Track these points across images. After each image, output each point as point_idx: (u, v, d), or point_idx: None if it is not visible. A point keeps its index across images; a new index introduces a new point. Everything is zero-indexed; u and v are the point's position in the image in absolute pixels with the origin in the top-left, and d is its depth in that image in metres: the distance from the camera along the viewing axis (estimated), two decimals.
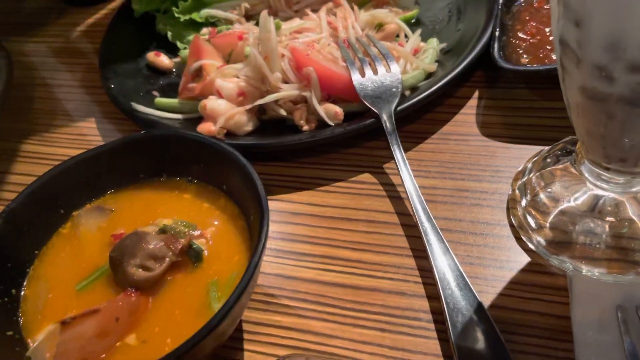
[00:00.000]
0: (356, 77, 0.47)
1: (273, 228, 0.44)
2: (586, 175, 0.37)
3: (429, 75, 0.50)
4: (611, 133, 0.31)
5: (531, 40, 0.49)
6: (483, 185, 0.44)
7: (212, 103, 0.48)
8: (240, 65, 0.50)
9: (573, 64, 0.29)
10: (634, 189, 0.36)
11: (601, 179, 0.36)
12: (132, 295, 0.34)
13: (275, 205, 0.46)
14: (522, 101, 0.49)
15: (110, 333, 0.32)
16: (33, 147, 0.57)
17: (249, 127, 0.48)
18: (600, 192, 0.37)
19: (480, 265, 0.39)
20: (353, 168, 0.48)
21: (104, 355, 0.32)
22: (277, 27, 0.50)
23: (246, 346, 0.38)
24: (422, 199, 0.41)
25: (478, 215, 0.42)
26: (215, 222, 0.38)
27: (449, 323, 0.35)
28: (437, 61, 0.52)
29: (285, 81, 0.48)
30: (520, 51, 0.49)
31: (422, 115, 0.50)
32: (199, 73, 0.52)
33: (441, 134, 0.49)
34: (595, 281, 0.36)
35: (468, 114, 0.50)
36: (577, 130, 0.34)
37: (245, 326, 0.39)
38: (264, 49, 0.48)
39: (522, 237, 0.39)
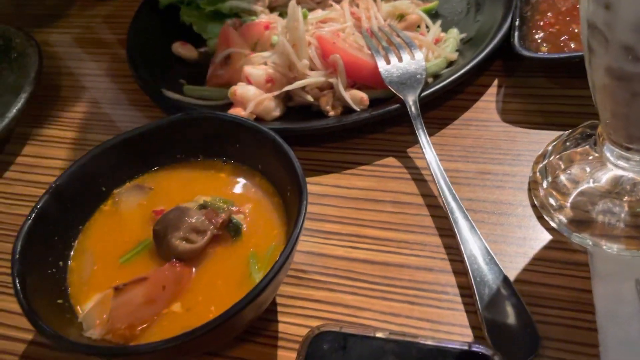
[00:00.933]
0: (381, 64, 0.49)
1: None
2: (607, 155, 0.39)
3: (450, 64, 0.52)
4: (635, 112, 0.33)
5: (550, 30, 0.50)
6: (504, 168, 0.46)
7: (241, 89, 0.50)
8: (268, 53, 0.52)
9: (601, 46, 0.30)
10: None
11: (622, 159, 0.38)
12: (177, 265, 0.35)
13: None
14: (541, 89, 0.51)
15: (157, 300, 0.34)
16: (64, 132, 0.59)
17: (277, 113, 0.50)
18: (620, 172, 0.39)
19: (504, 242, 0.41)
20: (378, 152, 0.49)
21: (151, 322, 0.34)
22: (304, 17, 0.51)
23: (280, 318, 0.40)
24: (448, 180, 0.43)
25: (500, 196, 0.44)
26: (252, 199, 0.40)
27: (476, 295, 0.37)
28: (457, 50, 0.53)
29: (312, 68, 0.50)
30: (539, 40, 0.50)
31: (443, 103, 0.52)
32: (226, 61, 0.54)
33: (462, 120, 0.50)
34: (615, 257, 0.38)
35: (488, 101, 0.51)
36: (600, 112, 0.36)
37: (279, 300, 0.41)
38: (292, 37, 0.50)
39: (544, 216, 0.41)
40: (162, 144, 0.42)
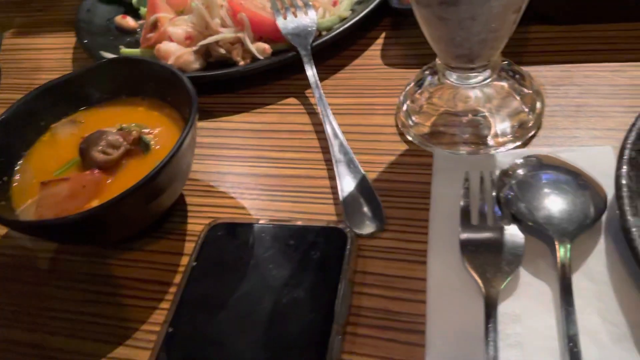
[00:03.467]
0: (279, 20, 0.58)
1: (212, 140, 0.56)
2: (445, 77, 0.48)
3: (345, 21, 0.62)
4: (446, 33, 0.43)
5: None
6: (379, 99, 0.55)
7: (164, 46, 0.59)
8: (187, 17, 0.61)
9: None
10: (478, 82, 0.47)
11: (456, 78, 0.47)
12: (96, 172, 0.44)
13: (215, 124, 0.57)
14: (418, 37, 0.59)
15: (78, 196, 0.43)
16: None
17: (196, 66, 0.59)
18: (456, 90, 0.48)
19: (369, 154, 0.50)
20: (281, 94, 0.59)
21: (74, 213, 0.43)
22: None
23: (190, 220, 0.49)
24: (330, 111, 0.52)
25: (372, 121, 0.53)
26: (161, 124, 0.49)
27: (339, 191, 0.46)
28: (352, 9, 0.63)
29: (224, 26, 0.59)
30: None
31: (338, 53, 0.61)
32: (156, 26, 0.63)
33: (353, 66, 0.60)
34: (452, 156, 0.47)
35: (375, 50, 0.61)
36: (429, 40, 0.45)
37: (190, 208, 0.50)
38: (206, 1, 0.59)
39: (403, 132, 0.51)
40: (92, 85, 0.51)
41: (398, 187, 0.47)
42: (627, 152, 0.39)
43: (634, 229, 0.34)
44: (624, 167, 0.38)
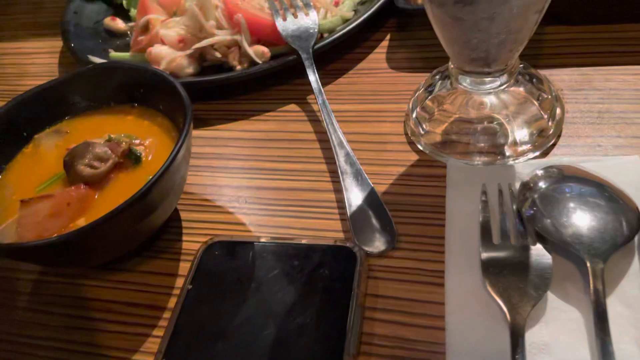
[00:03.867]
0: (279, 21, 0.55)
1: (207, 150, 0.52)
2: (459, 82, 0.45)
3: (347, 22, 0.58)
4: (461, 35, 0.39)
5: None
6: (386, 106, 0.52)
7: (156, 49, 0.55)
8: (180, 18, 0.57)
9: None
10: (494, 87, 0.44)
11: (470, 83, 0.44)
12: (82, 187, 0.41)
13: (211, 133, 0.54)
14: (424, 40, 0.57)
15: (62, 214, 0.39)
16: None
17: (190, 70, 0.56)
18: (471, 95, 0.45)
19: (378, 164, 0.47)
20: (281, 100, 0.55)
21: (58, 234, 0.39)
22: None
23: (184, 238, 0.45)
24: (334, 118, 0.49)
25: (379, 129, 0.50)
26: (153, 134, 0.45)
27: (347, 205, 0.43)
28: (354, 10, 0.59)
29: (220, 28, 0.56)
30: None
31: (341, 56, 0.58)
32: (147, 28, 0.60)
33: (356, 70, 0.56)
34: (467, 167, 0.44)
35: (380, 52, 0.58)
36: (442, 43, 0.42)
37: (185, 224, 0.46)
38: (200, 1, 0.55)
39: (414, 142, 0.47)
40: (77, 93, 0.48)
41: (409, 201, 0.43)
42: None
43: None
44: None
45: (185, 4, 0.58)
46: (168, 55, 0.55)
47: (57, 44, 0.71)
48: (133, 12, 0.66)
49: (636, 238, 0.36)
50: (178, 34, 0.56)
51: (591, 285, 0.33)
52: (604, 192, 0.38)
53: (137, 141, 0.44)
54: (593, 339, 0.32)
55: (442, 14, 0.38)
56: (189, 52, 0.55)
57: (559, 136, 0.45)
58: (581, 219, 0.36)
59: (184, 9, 0.58)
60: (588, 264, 0.34)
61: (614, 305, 0.33)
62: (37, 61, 0.71)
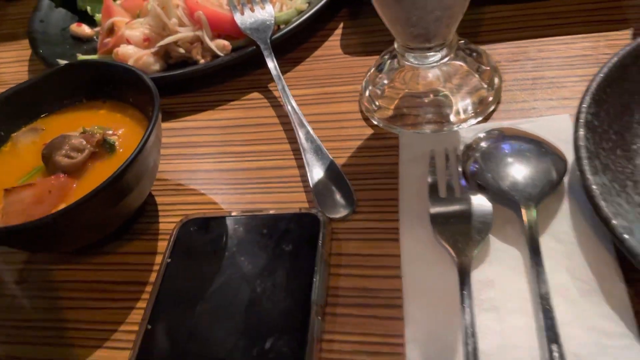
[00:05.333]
0: (237, 15, 0.58)
1: (178, 140, 0.55)
2: (405, 59, 0.49)
3: (302, 13, 0.62)
4: (402, 14, 0.43)
5: None
6: (342, 88, 0.55)
7: (122, 49, 0.58)
8: (144, 19, 0.61)
9: None
10: (436, 61, 0.48)
11: (415, 59, 0.48)
12: (61, 176, 0.44)
13: (181, 124, 0.57)
14: (375, 26, 0.61)
15: (45, 201, 0.42)
16: None
17: (156, 67, 0.59)
18: (417, 71, 0.49)
19: (336, 140, 0.50)
20: (245, 89, 0.59)
21: None
22: None
23: (161, 220, 0.49)
24: (294, 102, 0.52)
25: (336, 109, 0.54)
26: (125, 125, 0.48)
27: (309, 178, 0.47)
28: (308, 2, 0.63)
29: (182, 26, 0.59)
30: None
31: (298, 45, 0.62)
32: (112, 31, 0.62)
33: (313, 57, 0.60)
34: (417, 136, 0.48)
35: (335, 40, 0.61)
36: (386, 24, 0.46)
37: (160, 207, 0.50)
38: (161, 1, 0.58)
39: (368, 117, 0.51)
40: (50, 92, 0.51)
41: (366, 170, 0.47)
42: (582, 116, 0.40)
43: (594, 187, 0.36)
44: (581, 130, 0.39)
45: (148, 6, 0.61)
46: (134, 54, 0.58)
47: (25, 53, 0.74)
48: (98, 17, 0.69)
49: (566, 183, 0.40)
50: (143, 33, 0.59)
51: (526, 226, 0.38)
52: (536, 147, 0.42)
53: (110, 132, 0.47)
54: (530, 272, 0.36)
55: None
56: (154, 49, 0.58)
57: (498, 103, 0.49)
58: (516, 171, 0.41)
59: (146, 10, 0.61)
60: (522, 208, 0.39)
61: (547, 242, 0.38)
62: (6, 70, 0.73)
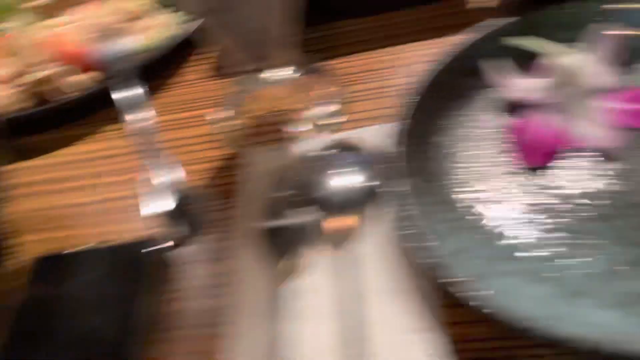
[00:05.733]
0: (97, 49, 0.59)
1: (47, 176, 0.56)
2: (253, 81, 0.50)
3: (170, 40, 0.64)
4: (231, 39, 0.45)
5: None
6: (204, 111, 0.57)
7: None
8: (8, 59, 0.61)
9: None
10: (280, 80, 0.50)
11: (260, 80, 0.50)
12: None
13: (47, 161, 0.58)
14: None
15: None
16: None
17: (22, 105, 0.59)
18: (264, 91, 0.51)
19: (192, 164, 0.51)
20: (111, 119, 0.59)
21: None
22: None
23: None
24: (154, 128, 0.53)
25: (197, 132, 0.55)
26: None
27: (156, 203, 0.47)
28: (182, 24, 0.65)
29: (46, 63, 0.60)
30: None
31: (161, 73, 0.63)
32: None
33: (177, 83, 0.62)
34: (263, 154, 0.49)
35: (195, 66, 0.63)
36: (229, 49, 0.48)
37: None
38: (23, 41, 0.59)
39: (223, 139, 0.53)
40: None
41: (219, 191, 0.48)
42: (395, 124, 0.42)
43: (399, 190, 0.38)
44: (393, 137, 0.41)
45: (12, 48, 0.61)
46: None
47: None
48: None
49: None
50: (5, 72, 0.59)
51: (348, 233, 0.40)
52: (365, 157, 0.44)
53: None
54: (342, 278, 0.38)
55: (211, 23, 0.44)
56: (13, 90, 0.59)
57: (347, 114, 0.51)
58: (343, 180, 0.43)
59: (10, 52, 0.62)
60: (345, 216, 0.40)
61: (366, 247, 0.39)
62: None
